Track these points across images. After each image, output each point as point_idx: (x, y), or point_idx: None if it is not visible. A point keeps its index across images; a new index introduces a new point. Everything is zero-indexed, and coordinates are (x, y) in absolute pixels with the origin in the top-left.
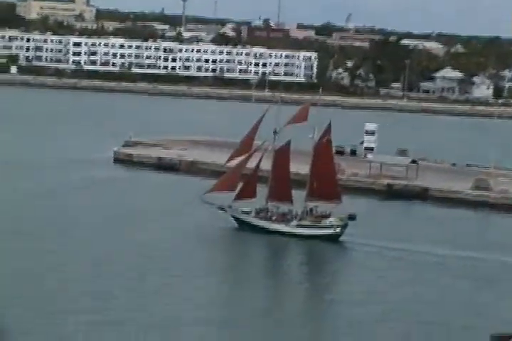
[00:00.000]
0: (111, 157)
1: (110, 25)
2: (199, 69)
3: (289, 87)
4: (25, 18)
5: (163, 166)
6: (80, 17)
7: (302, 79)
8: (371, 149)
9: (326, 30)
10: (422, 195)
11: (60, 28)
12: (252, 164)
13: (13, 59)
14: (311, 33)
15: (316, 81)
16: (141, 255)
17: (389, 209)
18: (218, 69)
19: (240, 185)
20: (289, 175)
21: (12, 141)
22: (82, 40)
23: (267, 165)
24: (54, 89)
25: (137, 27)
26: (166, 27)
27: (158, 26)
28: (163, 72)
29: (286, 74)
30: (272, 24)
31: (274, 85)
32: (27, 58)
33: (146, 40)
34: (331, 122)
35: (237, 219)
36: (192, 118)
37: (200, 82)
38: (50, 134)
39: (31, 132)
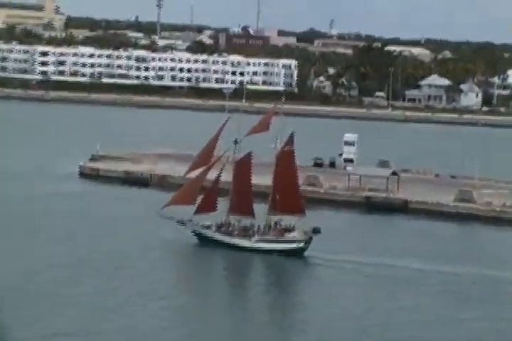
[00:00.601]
0: (76, 171)
1: (80, 34)
2: (173, 78)
3: (267, 96)
4: None
5: (131, 181)
6: (48, 26)
7: (281, 88)
8: (351, 161)
9: (308, 36)
10: (403, 208)
11: (27, 38)
12: (212, 176)
13: None
14: (293, 40)
15: (296, 90)
16: (95, 276)
17: (367, 222)
18: (194, 78)
19: (199, 198)
20: (251, 188)
21: None
22: (50, 49)
23: (228, 177)
24: (19, 101)
25: (108, 35)
26: (140, 35)
27: (132, 34)
28: (135, 82)
29: (264, 83)
30: (251, 31)
31: (252, 95)
32: None
33: (117, 48)
34: (295, 132)
35: (197, 234)
36: (164, 130)
37: (175, 92)
38: (12, 148)
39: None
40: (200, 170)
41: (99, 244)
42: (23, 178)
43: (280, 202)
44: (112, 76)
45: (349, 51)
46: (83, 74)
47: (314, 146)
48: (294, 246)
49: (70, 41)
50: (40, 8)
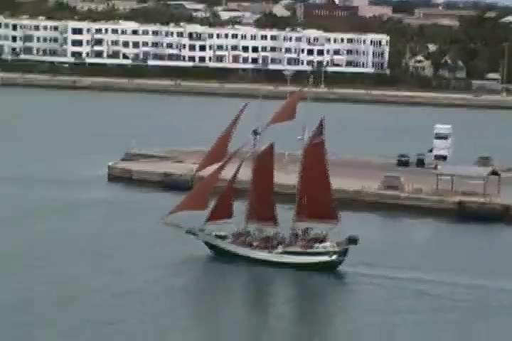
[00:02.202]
0: (105, 174)
1: (125, 6)
2: (235, 59)
3: (353, 80)
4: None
5: (169, 184)
6: None
7: (370, 70)
8: (443, 158)
9: (406, 6)
10: (504, 216)
11: (58, 11)
12: (227, 174)
13: None
14: (388, 11)
15: (387, 72)
16: (101, 297)
17: (458, 234)
18: (261, 59)
19: (212, 203)
20: (272, 189)
21: None
22: (84, 25)
23: (246, 175)
24: (46, 89)
25: (159, 7)
26: (200, 6)
27: (190, 6)
28: (188, 64)
29: (349, 64)
30: (337, 0)
31: (333, 79)
32: (13, 50)
33: (166, 23)
34: (325, 118)
35: (210, 246)
36: (220, 123)
37: (237, 76)
38: (36, 145)
39: (11, 143)
40: (213, 167)
41: (102, 263)
42: (34, 184)
43: (308, 206)
44: (161, 57)
45: (455, 23)
46: (125, 56)
47: (400, 142)
48: (324, 258)
49: (111, 15)
50: None
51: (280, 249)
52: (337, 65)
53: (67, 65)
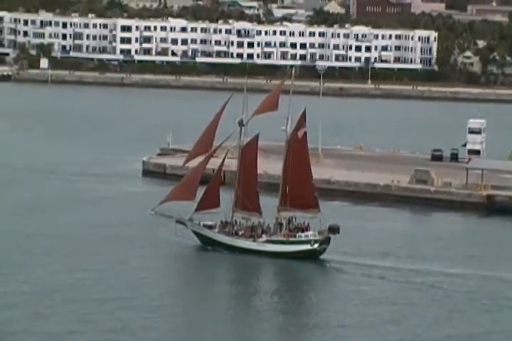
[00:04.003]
0: (140, 168)
1: (179, 4)
2: (283, 56)
3: (400, 76)
4: None
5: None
6: None
7: (418, 67)
8: (477, 152)
9: (460, 2)
10: None
11: (110, 9)
12: (214, 165)
13: (46, 49)
14: (441, 7)
15: (436, 68)
16: (92, 287)
17: (485, 228)
18: (309, 56)
19: (200, 193)
20: (256, 179)
21: (27, 145)
22: (133, 23)
23: (233, 165)
24: (95, 86)
25: (211, 5)
26: (254, 4)
27: (245, 3)
28: (236, 61)
29: (397, 60)
30: None
31: (381, 75)
32: (63, 48)
33: (216, 21)
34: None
35: (199, 235)
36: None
37: (285, 72)
38: (78, 140)
39: (55, 135)
40: (200, 158)
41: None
42: (68, 177)
43: (290, 195)
44: (209, 55)
45: (505, 19)
46: (174, 53)
47: (442, 136)
48: (306, 247)
49: (161, 13)
50: None
51: (264, 237)
52: (385, 61)
53: (116, 63)
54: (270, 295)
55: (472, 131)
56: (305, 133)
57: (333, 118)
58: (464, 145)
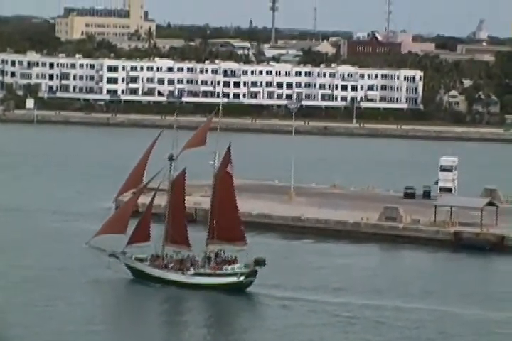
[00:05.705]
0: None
1: (167, 44)
2: (270, 96)
3: (386, 115)
4: (61, 38)
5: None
6: (135, 35)
7: (404, 106)
8: (449, 190)
9: (450, 42)
10: (498, 246)
11: (98, 50)
12: (145, 199)
13: (33, 90)
14: (430, 47)
15: (421, 107)
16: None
17: (450, 263)
18: (295, 95)
19: (131, 226)
20: (183, 212)
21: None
22: (119, 63)
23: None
24: (81, 126)
25: (204, 44)
26: (246, 44)
27: (238, 44)
28: (222, 101)
29: (383, 99)
30: (379, 36)
31: (367, 114)
32: (50, 88)
33: (202, 60)
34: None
35: (131, 268)
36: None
37: (271, 112)
38: (53, 179)
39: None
40: (131, 192)
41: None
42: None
43: (218, 228)
44: (195, 94)
45: (493, 58)
46: (160, 93)
47: (418, 174)
48: (232, 280)
49: (151, 53)
50: (125, 14)
51: (192, 270)
52: (371, 101)
53: (102, 103)
54: (196, 326)
55: (444, 169)
56: (231, 169)
57: (314, 157)
58: (436, 182)
